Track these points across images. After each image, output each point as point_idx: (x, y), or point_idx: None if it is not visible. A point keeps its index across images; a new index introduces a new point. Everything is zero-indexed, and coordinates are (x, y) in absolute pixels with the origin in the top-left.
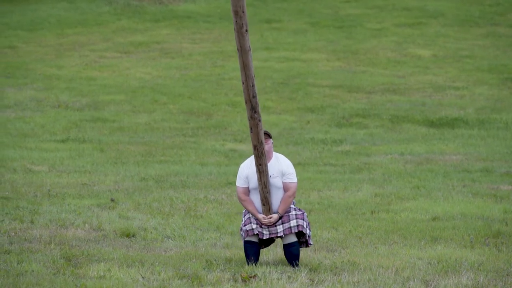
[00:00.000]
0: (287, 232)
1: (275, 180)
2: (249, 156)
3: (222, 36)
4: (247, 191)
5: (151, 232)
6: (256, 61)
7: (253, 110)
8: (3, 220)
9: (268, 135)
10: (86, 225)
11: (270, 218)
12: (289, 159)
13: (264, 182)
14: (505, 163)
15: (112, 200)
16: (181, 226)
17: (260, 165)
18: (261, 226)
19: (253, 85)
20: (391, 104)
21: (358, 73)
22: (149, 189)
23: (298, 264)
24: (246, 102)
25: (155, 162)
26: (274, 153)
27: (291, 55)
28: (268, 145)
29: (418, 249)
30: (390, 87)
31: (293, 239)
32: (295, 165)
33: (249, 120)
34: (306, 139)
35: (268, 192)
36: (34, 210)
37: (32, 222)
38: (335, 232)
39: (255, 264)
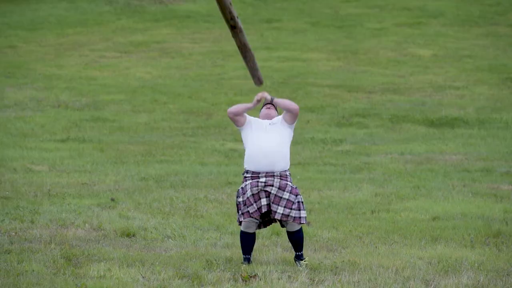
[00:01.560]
0: (272, 216)
1: (275, 125)
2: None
3: (222, 35)
4: (242, 114)
5: (151, 232)
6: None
7: (232, 27)
8: (4, 219)
9: (273, 105)
10: (86, 224)
11: (263, 93)
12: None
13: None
14: (505, 162)
15: (112, 199)
16: (181, 226)
17: (245, 58)
18: (259, 199)
19: (230, 12)
20: (391, 104)
21: (358, 73)
22: (149, 188)
23: (301, 250)
24: (226, 22)
25: (155, 161)
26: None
27: (291, 54)
28: (273, 110)
29: (418, 249)
30: (390, 87)
31: (296, 227)
32: (296, 164)
33: (230, 31)
34: (306, 139)
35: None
36: (34, 210)
37: (32, 222)
38: (335, 232)
39: (249, 257)
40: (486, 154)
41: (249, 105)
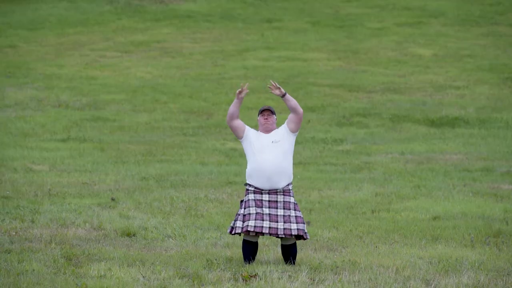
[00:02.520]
0: (288, 233)
1: (278, 144)
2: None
3: (222, 35)
4: (237, 117)
5: (151, 232)
6: (256, 60)
7: None
8: (4, 219)
9: (270, 111)
10: (87, 224)
11: (278, 86)
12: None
13: None
14: (506, 162)
15: (113, 199)
16: (182, 226)
17: None
18: (261, 220)
19: None
20: (391, 104)
21: (359, 73)
22: (149, 188)
23: (294, 262)
24: None
25: (155, 161)
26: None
27: (292, 54)
28: (271, 119)
29: (419, 249)
30: (391, 87)
31: (292, 240)
32: (296, 164)
33: None
34: (306, 138)
35: None
36: (34, 209)
37: (32, 222)
38: (335, 232)
39: (250, 263)
40: (486, 153)
41: (234, 101)
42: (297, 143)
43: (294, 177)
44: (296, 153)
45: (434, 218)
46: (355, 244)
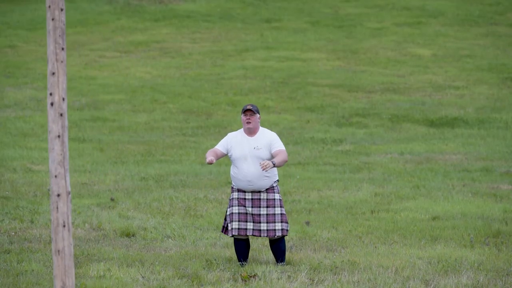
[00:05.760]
0: (271, 235)
1: (259, 151)
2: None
3: (222, 35)
4: (220, 155)
5: (151, 232)
6: (255, 60)
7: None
8: (3, 219)
9: (252, 111)
10: (86, 224)
11: (265, 163)
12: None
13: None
14: (505, 162)
15: (112, 199)
16: (181, 226)
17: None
18: (245, 221)
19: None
20: (391, 104)
21: (358, 73)
22: (149, 188)
23: (284, 260)
24: None
25: (155, 161)
26: (260, 127)
27: (291, 54)
28: (254, 120)
29: (418, 249)
30: (390, 87)
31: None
32: (295, 164)
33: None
34: (306, 139)
35: None
36: (34, 209)
37: (32, 222)
38: (335, 232)
39: (244, 262)
40: (486, 154)
41: (209, 155)
42: (296, 143)
43: (293, 177)
44: (295, 153)
45: (434, 218)
46: (355, 244)
